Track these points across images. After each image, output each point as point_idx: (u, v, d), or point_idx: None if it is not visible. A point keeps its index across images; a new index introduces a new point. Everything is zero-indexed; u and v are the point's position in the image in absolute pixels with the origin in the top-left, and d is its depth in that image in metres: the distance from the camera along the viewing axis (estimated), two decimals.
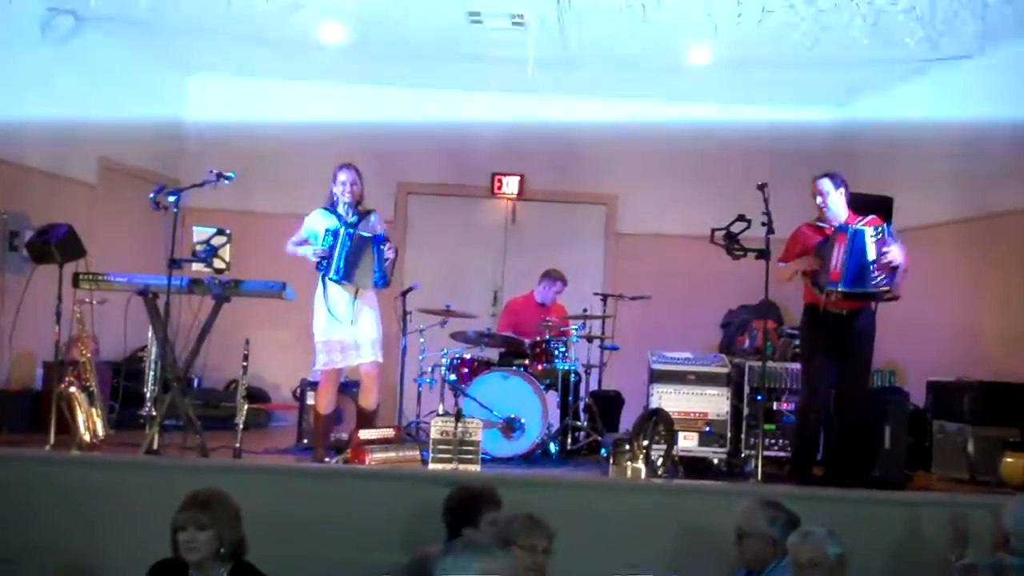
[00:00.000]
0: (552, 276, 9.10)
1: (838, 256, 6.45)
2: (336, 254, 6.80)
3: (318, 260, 6.86)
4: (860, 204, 7.00)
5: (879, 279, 6.51)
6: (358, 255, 6.85)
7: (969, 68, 8.58)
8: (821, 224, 6.76)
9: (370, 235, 6.92)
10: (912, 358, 8.83)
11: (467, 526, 4.46)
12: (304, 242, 7.04)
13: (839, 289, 6.46)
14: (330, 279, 6.86)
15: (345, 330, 6.93)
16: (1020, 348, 7.88)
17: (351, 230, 6.86)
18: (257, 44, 9.45)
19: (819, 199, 6.70)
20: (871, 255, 6.47)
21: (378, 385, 7.15)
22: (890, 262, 6.52)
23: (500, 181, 10.85)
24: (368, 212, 7.13)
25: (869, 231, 6.53)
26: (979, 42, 7.53)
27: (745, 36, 8.36)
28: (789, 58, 8.92)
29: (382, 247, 6.91)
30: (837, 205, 6.70)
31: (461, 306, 8.48)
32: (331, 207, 7.06)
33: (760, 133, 10.70)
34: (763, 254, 6.58)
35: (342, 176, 7.04)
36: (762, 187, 6.53)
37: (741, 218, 6.59)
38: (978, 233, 8.49)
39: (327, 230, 6.88)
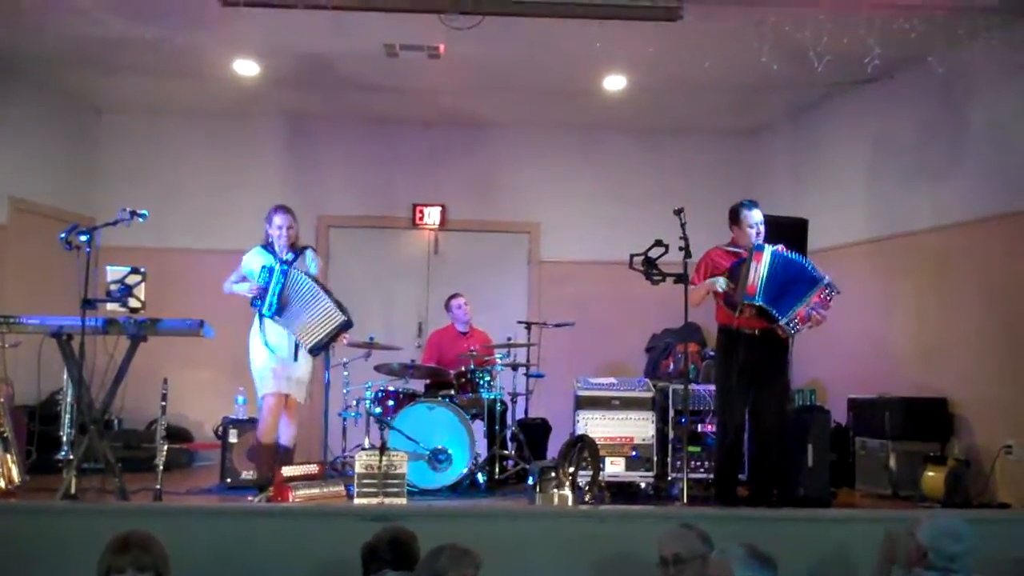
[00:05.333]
0: (450, 300, 9.22)
1: (755, 272, 6.54)
2: (270, 290, 6.80)
3: (253, 296, 6.82)
4: (776, 227, 7.13)
5: (795, 323, 6.62)
6: (293, 295, 6.85)
7: (877, 91, 8.77)
8: (734, 249, 6.86)
9: (315, 282, 6.94)
10: (832, 376, 8.97)
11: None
12: (242, 280, 7.03)
13: (756, 303, 6.54)
14: (264, 315, 6.84)
15: (283, 361, 6.93)
16: (936, 364, 8.04)
17: (285, 267, 6.87)
18: (169, 79, 9.35)
19: (754, 229, 6.79)
20: (808, 302, 6.58)
21: (297, 423, 7.15)
22: (813, 321, 6.64)
23: (422, 212, 10.82)
24: (303, 248, 7.14)
25: (825, 289, 6.65)
26: (886, 65, 7.70)
27: (658, 64, 8.49)
28: (701, 84, 9.06)
29: (331, 294, 6.96)
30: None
31: (385, 338, 8.43)
32: (268, 246, 7.07)
33: (675, 159, 10.84)
34: (681, 278, 6.66)
35: (277, 220, 7.07)
36: (678, 212, 6.61)
37: (659, 243, 6.65)
38: (891, 252, 8.66)
39: (263, 267, 6.88)
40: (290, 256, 7.02)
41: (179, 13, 7.57)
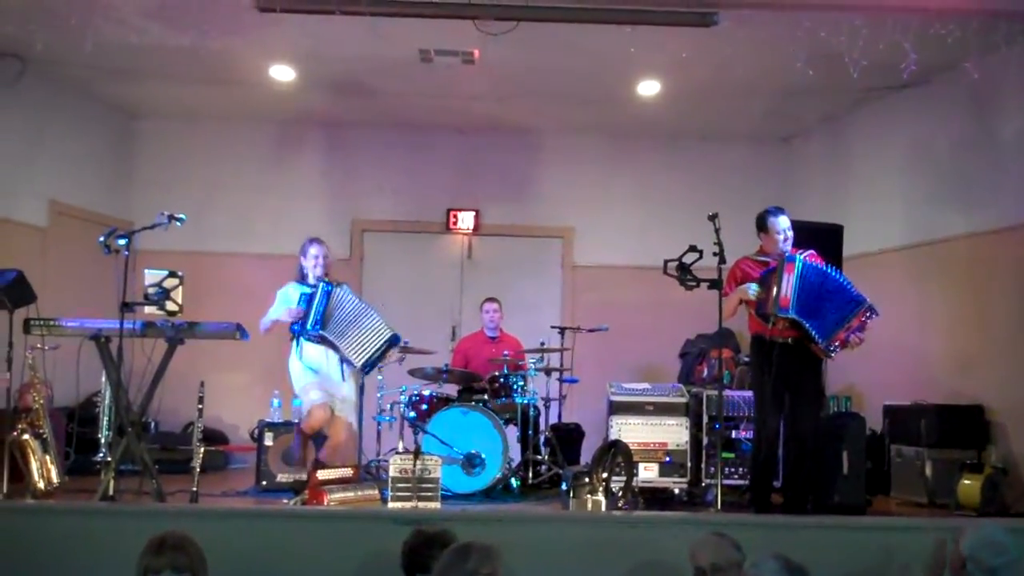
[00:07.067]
0: (483, 304, 9.24)
1: (787, 284, 6.48)
2: (313, 310, 6.92)
3: (293, 320, 6.94)
4: (811, 233, 7.09)
5: (835, 347, 6.58)
6: (337, 311, 6.97)
7: (913, 97, 8.72)
8: (763, 258, 6.82)
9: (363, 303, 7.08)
10: (868, 383, 8.91)
11: (421, 572, 4.39)
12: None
13: (789, 316, 6.50)
14: (307, 329, 6.95)
15: (328, 381, 7.08)
16: (972, 370, 7.98)
17: (329, 287, 6.99)
18: (206, 85, 9.43)
19: (782, 235, 6.73)
20: (849, 326, 6.54)
21: (344, 443, 7.18)
22: (851, 345, 6.61)
23: (456, 216, 10.86)
24: (339, 284, 7.22)
25: (866, 312, 6.60)
26: (921, 71, 7.65)
27: (692, 69, 8.48)
28: (736, 90, 9.04)
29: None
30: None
31: (419, 342, 8.44)
32: (302, 280, 7.17)
33: (709, 164, 10.82)
34: (715, 284, 6.63)
35: (313, 250, 7.19)
36: (713, 217, 6.58)
37: (693, 249, 6.62)
38: (927, 258, 8.60)
39: (301, 295, 7.01)
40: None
41: (216, 19, 7.61)
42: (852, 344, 6.59)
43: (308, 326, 6.91)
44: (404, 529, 4.65)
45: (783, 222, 6.76)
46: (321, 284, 6.97)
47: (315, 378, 7.03)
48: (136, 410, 6.63)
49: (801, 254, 6.71)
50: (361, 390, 7.97)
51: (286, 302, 7.10)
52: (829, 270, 6.67)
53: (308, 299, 6.95)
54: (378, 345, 7.04)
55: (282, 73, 9.09)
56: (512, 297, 9.53)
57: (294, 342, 7.09)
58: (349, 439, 7.23)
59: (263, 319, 7.15)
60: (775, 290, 6.51)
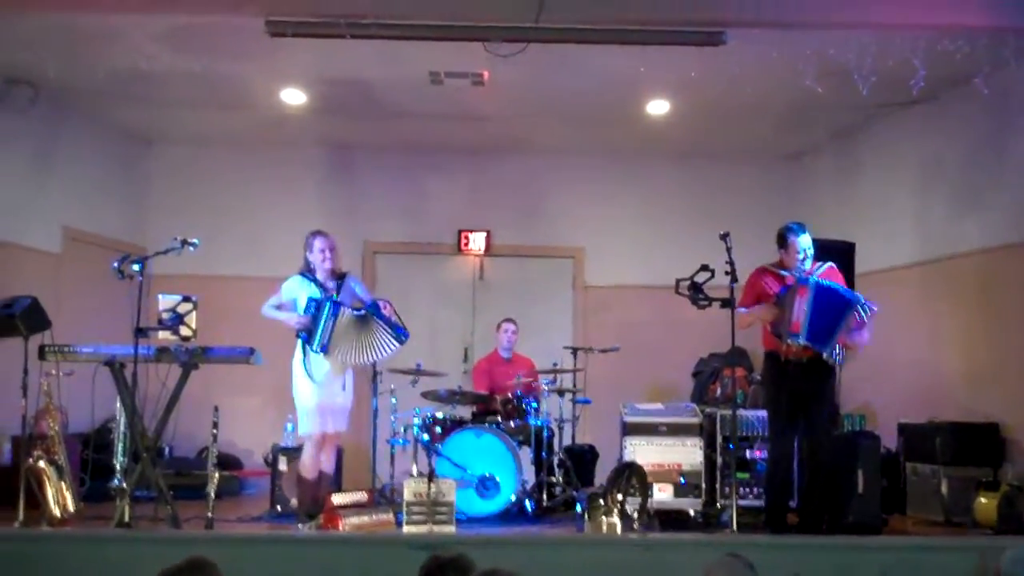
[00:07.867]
0: (500, 324, 9.16)
1: (799, 308, 6.48)
2: (320, 327, 6.78)
3: (300, 328, 6.84)
4: (823, 250, 7.06)
5: (839, 353, 6.59)
6: (343, 329, 6.83)
7: (923, 113, 8.71)
8: (782, 272, 6.81)
9: (362, 311, 6.94)
10: (882, 401, 8.88)
11: None
12: (282, 307, 7.03)
13: (800, 342, 6.50)
14: (312, 351, 6.84)
15: (329, 395, 6.95)
16: (987, 388, 7.94)
17: (337, 306, 6.84)
18: (219, 110, 9.48)
19: (802, 254, 6.71)
20: (844, 328, 6.53)
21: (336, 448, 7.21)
22: (856, 343, 6.61)
23: (467, 237, 10.87)
24: (343, 275, 7.15)
25: (858, 311, 6.58)
26: (931, 87, 7.64)
27: (701, 88, 8.49)
28: (745, 108, 9.04)
29: (382, 313, 6.93)
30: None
31: (432, 364, 8.45)
32: (309, 274, 7.05)
33: (719, 183, 10.82)
34: (728, 303, 6.63)
35: (319, 244, 7.04)
36: (724, 236, 6.58)
37: (705, 268, 6.62)
38: (939, 275, 8.57)
39: (309, 299, 6.86)
40: (333, 285, 7.05)
41: (227, 45, 7.69)
42: (853, 346, 6.58)
43: (314, 347, 6.83)
44: (419, 554, 4.61)
45: (804, 241, 6.72)
46: (328, 304, 6.85)
47: (318, 397, 6.91)
48: (151, 436, 6.65)
49: (819, 270, 6.71)
50: (375, 413, 7.98)
51: (290, 300, 7.00)
52: (836, 287, 6.65)
53: (315, 309, 6.81)
54: (383, 356, 7.04)
55: (293, 97, 9.12)
56: (524, 318, 9.52)
57: (300, 345, 6.96)
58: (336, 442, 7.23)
59: (265, 307, 7.02)
60: (788, 314, 6.51)
